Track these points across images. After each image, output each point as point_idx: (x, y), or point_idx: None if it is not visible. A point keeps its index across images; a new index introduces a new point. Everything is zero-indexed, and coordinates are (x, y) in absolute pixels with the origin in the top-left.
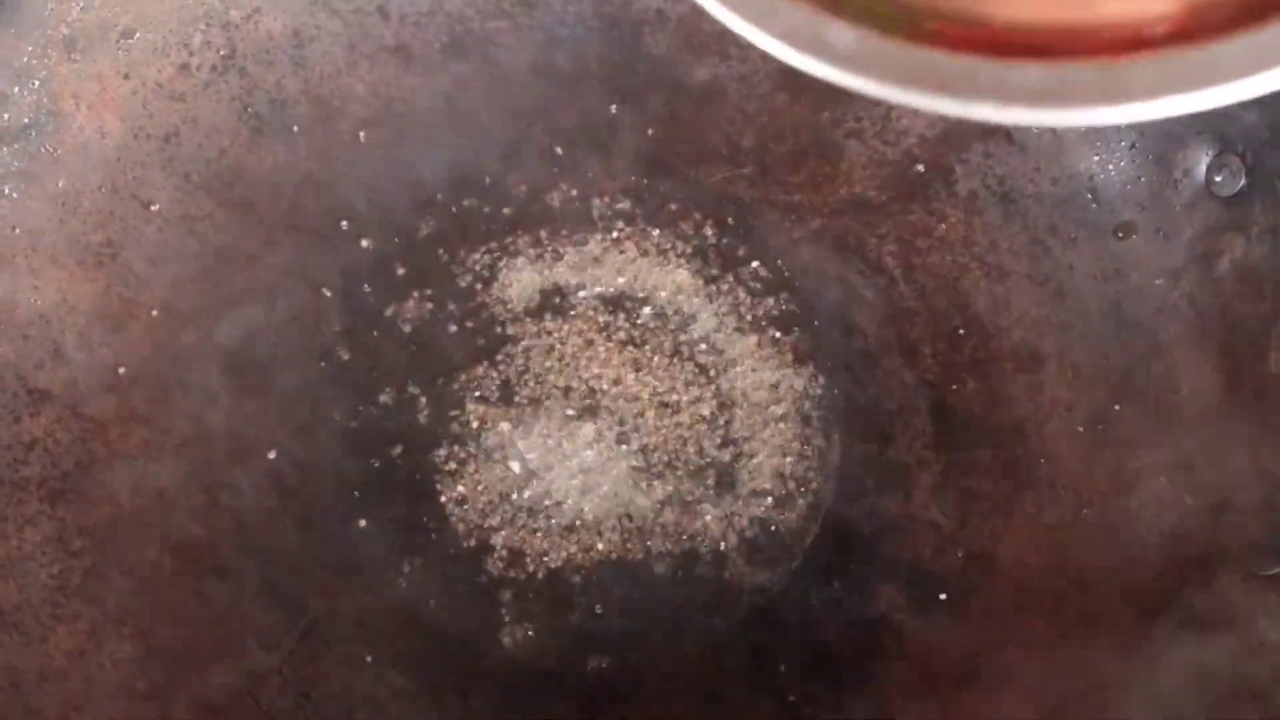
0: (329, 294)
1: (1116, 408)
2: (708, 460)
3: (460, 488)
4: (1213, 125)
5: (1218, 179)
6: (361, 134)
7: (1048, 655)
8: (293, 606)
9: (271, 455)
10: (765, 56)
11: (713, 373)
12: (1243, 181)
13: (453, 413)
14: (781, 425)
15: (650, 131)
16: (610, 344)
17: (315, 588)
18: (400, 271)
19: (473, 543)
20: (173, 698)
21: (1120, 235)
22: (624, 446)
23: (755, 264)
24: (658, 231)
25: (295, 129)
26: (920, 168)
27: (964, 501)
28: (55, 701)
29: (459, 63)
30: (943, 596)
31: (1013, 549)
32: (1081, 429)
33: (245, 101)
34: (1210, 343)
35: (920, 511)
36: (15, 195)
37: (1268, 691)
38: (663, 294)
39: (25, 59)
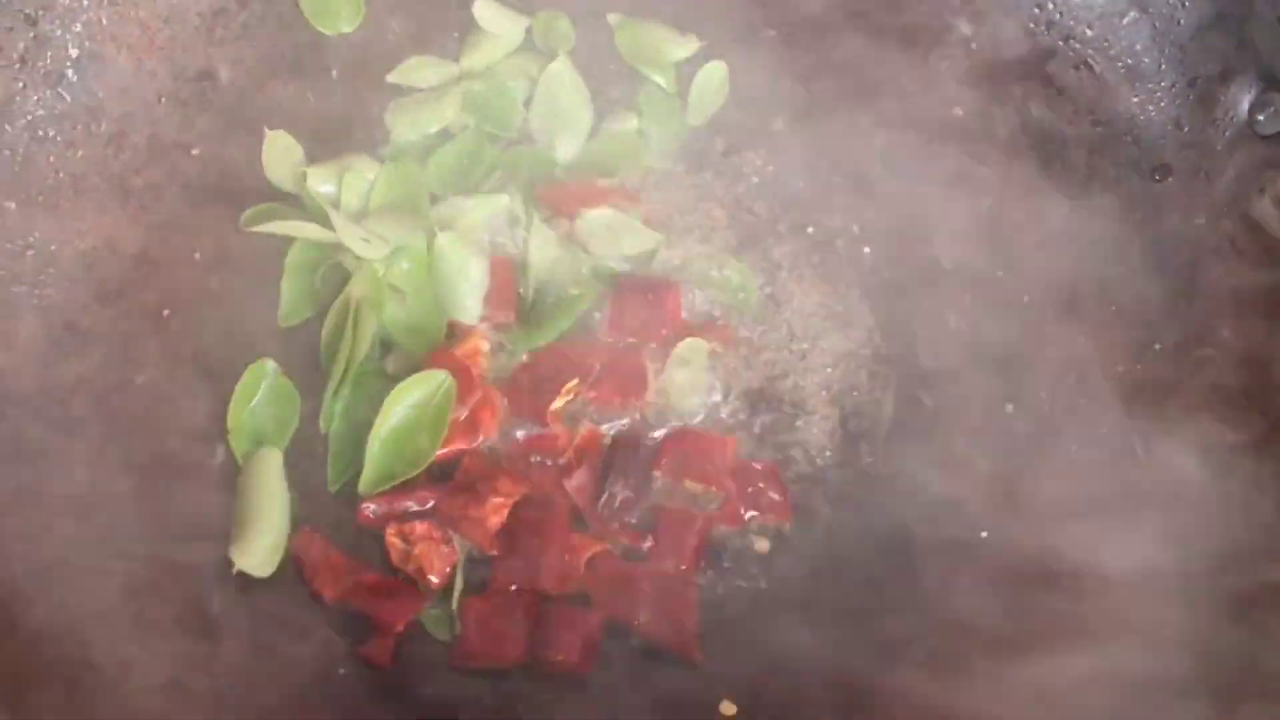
0: None
1: (1157, 347)
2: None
3: None
4: (1256, 63)
5: (1260, 117)
6: None
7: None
8: None
9: None
10: None
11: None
12: None
13: None
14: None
15: None
16: None
17: None
18: None
19: None
20: None
21: (1160, 176)
22: None
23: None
24: None
25: (334, 72)
26: (958, 111)
27: (1003, 440)
28: (107, 635)
29: None
30: (984, 535)
31: (1050, 485)
32: (1121, 369)
33: (283, 43)
34: (1252, 280)
35: (962, 450)
36: (59, 139)
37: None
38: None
39: (67, 2)
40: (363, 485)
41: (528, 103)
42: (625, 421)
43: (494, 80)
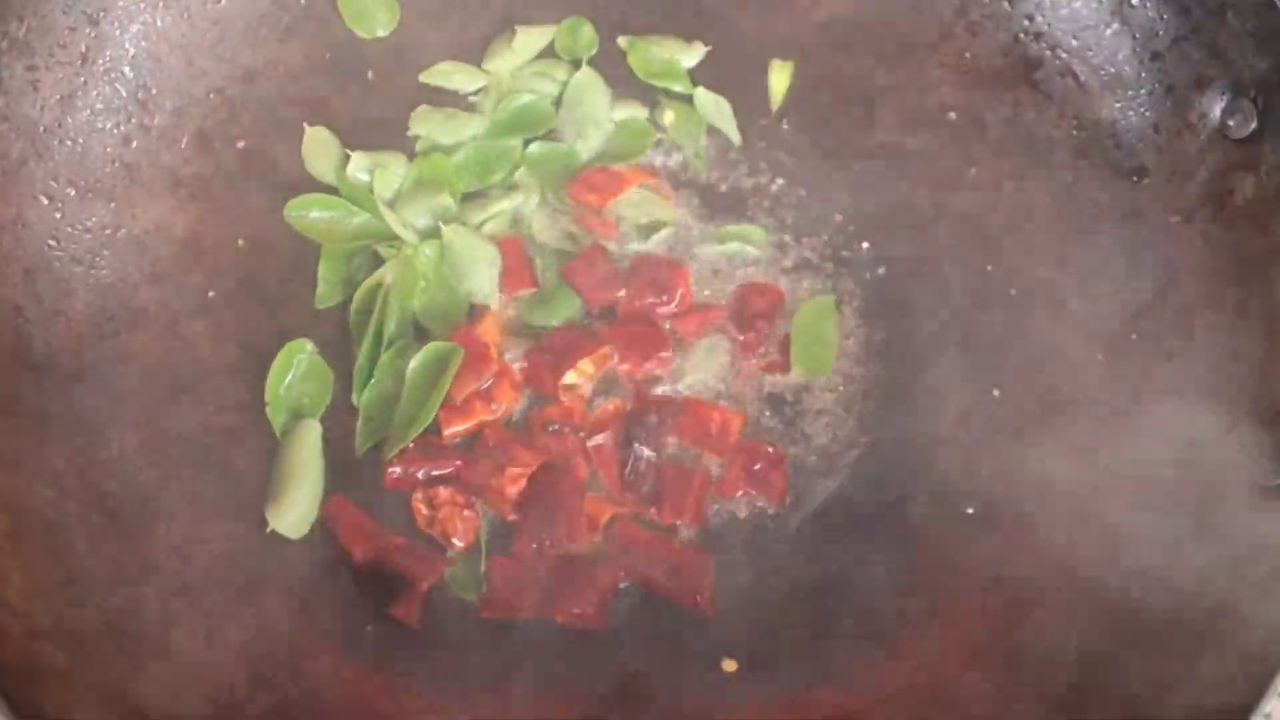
0: None
1: (1134, 337)
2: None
3: None
4: (1228, 72)
5: (1231, 122)
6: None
7: (1069, 565)
8: None
9: None
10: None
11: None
12: (1254, 124)
13: None
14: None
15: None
16: None
17: None
18: None
19: None
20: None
21: (1138, 177)
22: None
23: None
24: None
25: (370, 74)
26: (952, 115)
27: (990, 424)
28: (155, 590)
29: None
30: (970, 511)
31: (1037, 466)
32: (1101, 357)
33: (323, 45)
34: (1222, 276)
35: (950, 433)
36: (116, 131)
37: (1269, 588)
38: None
39: (125, 4)
40: (368, 443)
41: (555, 104)
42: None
43: (525, 84)
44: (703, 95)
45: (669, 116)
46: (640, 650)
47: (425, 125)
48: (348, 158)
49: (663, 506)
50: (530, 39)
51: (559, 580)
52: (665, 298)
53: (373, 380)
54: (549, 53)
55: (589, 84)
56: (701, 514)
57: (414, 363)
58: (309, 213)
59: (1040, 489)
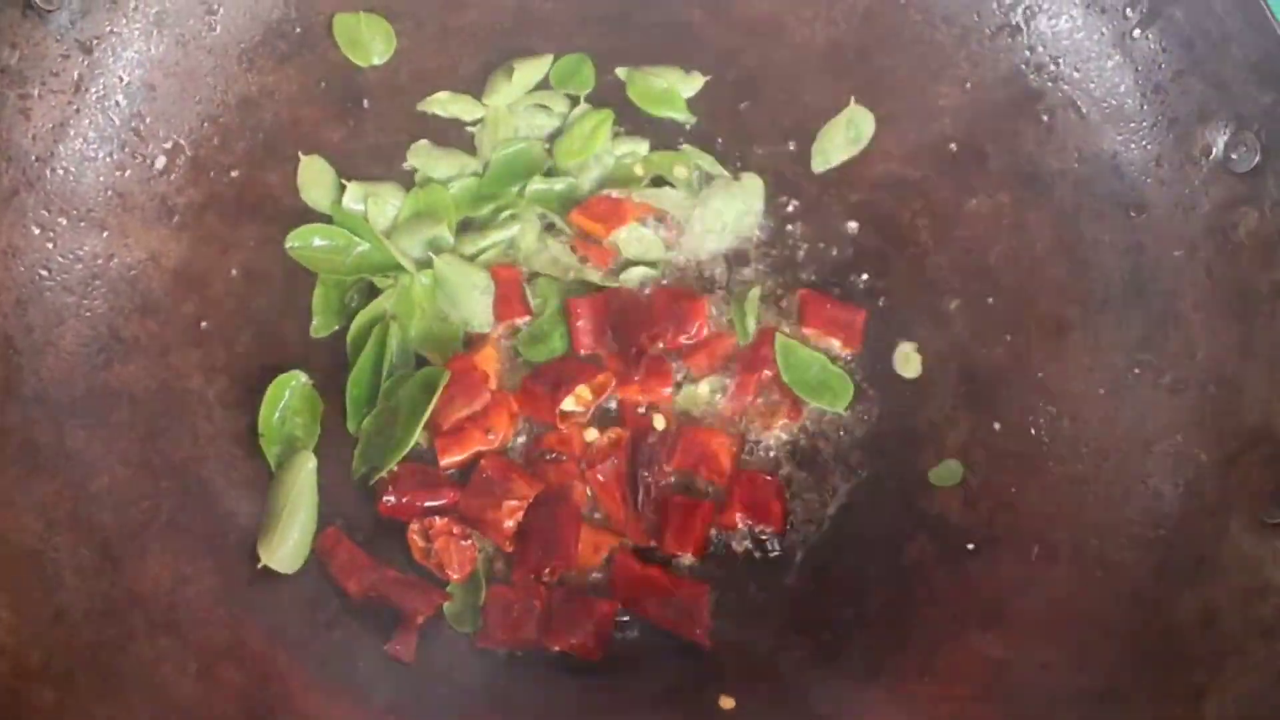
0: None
1: (1136, 371)
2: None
3: None
4: (1230, 105)
5: (1234, 156)
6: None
7: (1068, 599)
8: None
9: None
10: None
11: None
12: (1258, 157)
13: None
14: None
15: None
16: None
17: None
18: None
19: None
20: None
21: (1140, 210)
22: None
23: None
24: None
25: (366, 103)
26: (953, 146)
27: (990, 459)
28: (144, 627)
29: None
30: (970, 546)
31: (1037, 502)
32: (1103, 391)
33: (318, 74)
34: (1225, 309)
35: (951, 467)
36: (109, 160)
37: (1273, 629)
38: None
39: (120, 32)
40: (363, 470)
41: (553, 136)
42: (646, 415)
43: (523, 119)
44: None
45: (680, 173)
46: (638, 684)
47: (422, 160)
48: (344, 187)
49: (666, 538)
50: (528, 74)
51: (557, 611)
52: (685, 330)
53: (375, 409)
54: (546, 83)
55: (589, 121)
56: (704, 546)
57: (404, 389)
58: (310, 242)
59: (1041, 525)
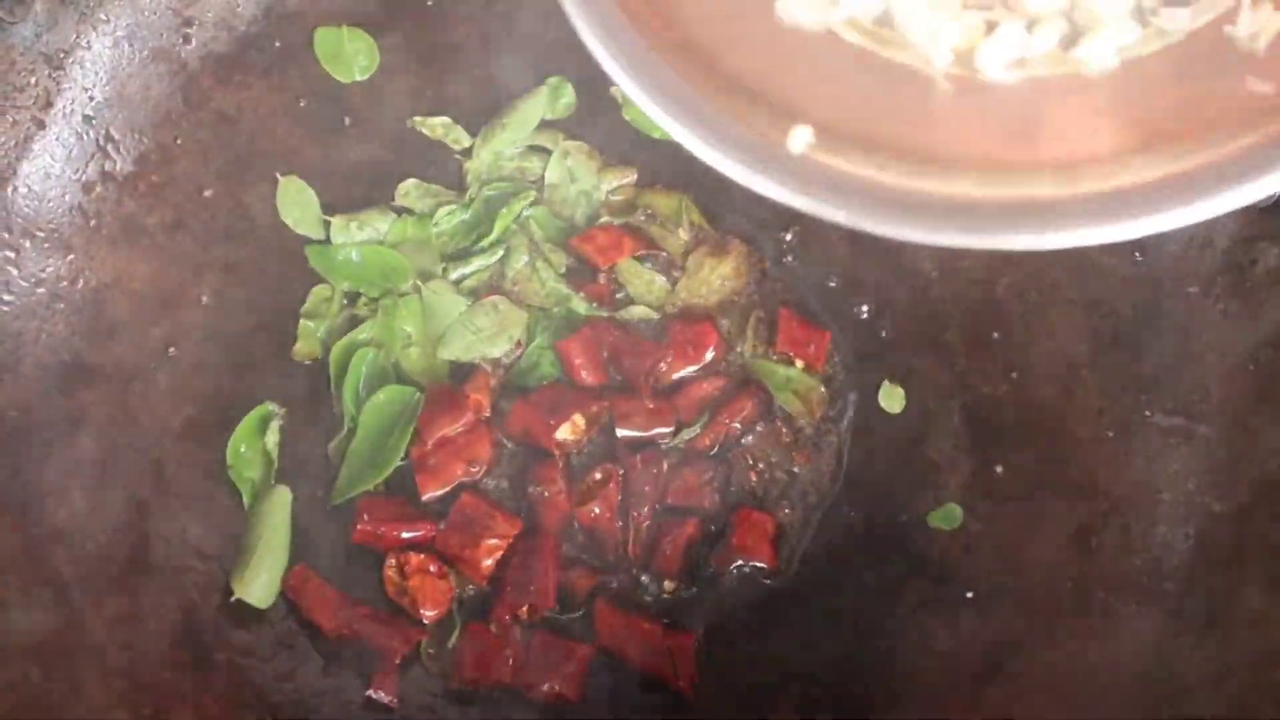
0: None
1: (1147, 414)
2: None
3: None
4: None
5: None
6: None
7: (1072, 653)
8: None
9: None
10: None
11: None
12: (1277, 192)
13: None
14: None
15: None
16: None
17: None
18: None
19: None
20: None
21: (1152, 245)
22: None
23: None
24: None
25: (347, 120)
26: None
27: (993, 502)
28: (98, 671)
29: None
30: (969, 595)
31: (1040, 550)
32: (1112, 434)
33: (298, 90)
34: (1241, 350)
35: (951, 511)
36: (75, 178)
37: None
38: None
39: (88, 46)
40: (343, 498)
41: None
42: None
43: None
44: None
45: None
46: None
47: (412, 201)
48: (321, 209)
49: (653, 561)
50: (525, 115)
51: (534, 653)
52: (698, 356)
53: (356, 433)
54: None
55: (577, 154)
56: (687, 566)
57: (376, 400)
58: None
59: (1043, 574)
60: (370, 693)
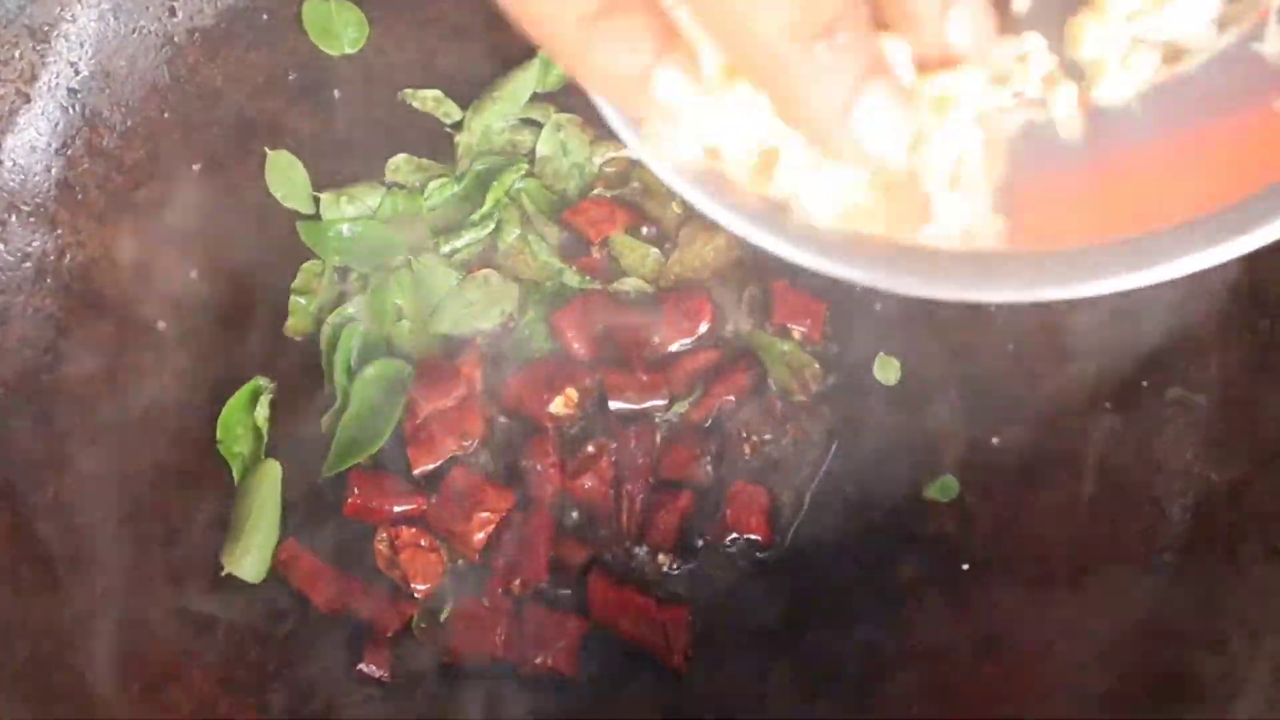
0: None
1: (1144, 384)
2: None
3: None
4: None
5: None
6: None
7: (1071, 624)
8: None
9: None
10: None
11: None
12: None
13: None
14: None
15: None
16: None
17: None
18: None
19: None
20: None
21: None
22: None
23: None
24: None
25: (336, 94)
26: None
27: (990, 474)
28: (90, 649)
29: None
30: (966, 567)
31: (1037, 521)
32: (1110, 405)
33: (286, 63)
34: (1241, 323)
35: (947, 481)
36: (62, 153)
37: None
38: None
39: (74, 19)
40: (334, 471)
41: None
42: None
43: (506, 135)
44: None
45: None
46: (615, 704)
47: (402, 176)
48: (310, 185)
49: (647, 533)
50: (517, 87)
51: (527, 626)
52: (693, 328)
53: (348, 407)
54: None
55: (567, 131)
56: (679, 537)
57: (367, 374)
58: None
59: (1041, 545)
60: (361, 666)
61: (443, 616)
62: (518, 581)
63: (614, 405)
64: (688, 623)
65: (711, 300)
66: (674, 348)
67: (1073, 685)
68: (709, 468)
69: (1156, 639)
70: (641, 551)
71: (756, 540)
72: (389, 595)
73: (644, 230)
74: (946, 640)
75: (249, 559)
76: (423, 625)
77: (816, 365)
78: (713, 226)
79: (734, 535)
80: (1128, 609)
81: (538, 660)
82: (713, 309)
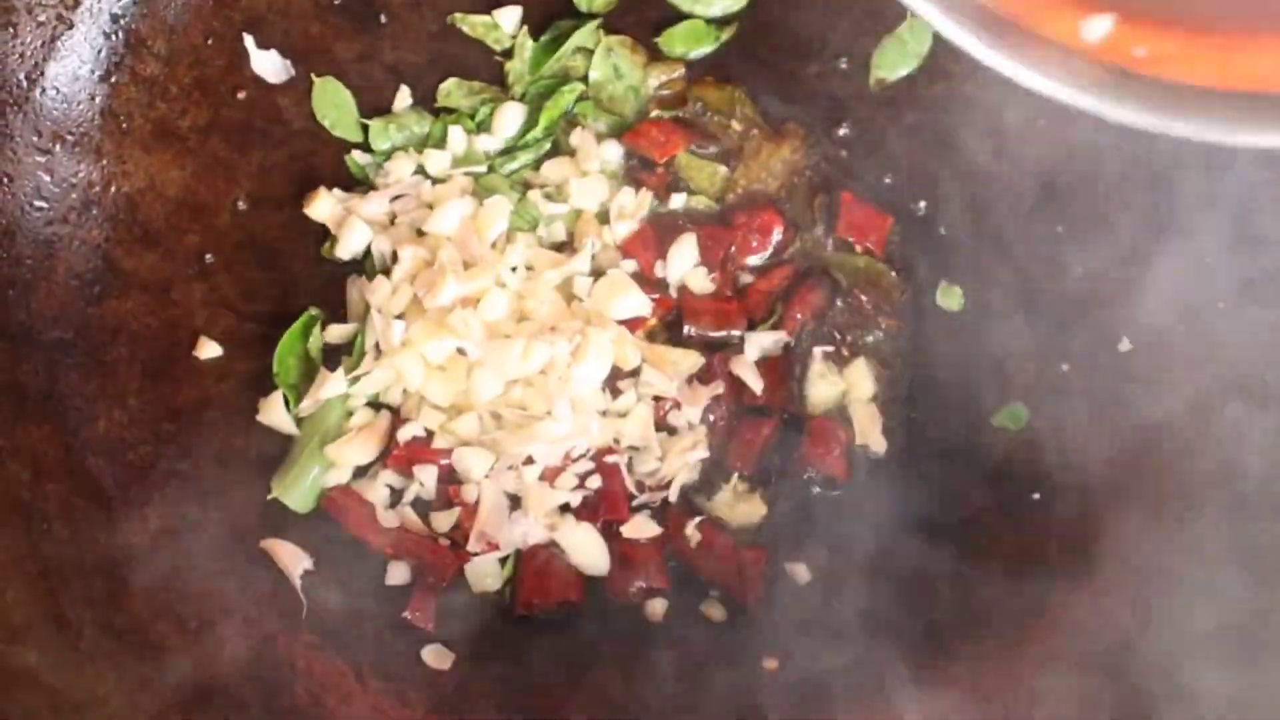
0: None
1: (1220, 305)
2: None
3: None
4: None
5: None
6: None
7: (1144, 554)
8: None
9: None
10: None
11: None
12: None
13: None
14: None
15: None
16: None
17: None
18: None
19: None
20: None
21: None
22: None
23: None
24: None
25: (383, 19)
26: None
27: (1059, 400)
28: (144, 578)
29: None
30: (1036, 496)
31: (1108, 449)
32: (1183, 327)
33: None
34: None
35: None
36: (105, 80)
37: None
38: None
39: None
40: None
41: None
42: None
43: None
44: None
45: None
46: (681, 648)
47: (454, 100)
48: (358, 112)
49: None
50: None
51: (614, 557)
52: (764, 244)
53: None
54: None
55: (619, 53)
56: (758, 469)
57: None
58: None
59: (1112, 474)
60: (406, 614)
61: (505, 570)
62: (599, 521)
63: (689, 329)
64: (763, 564)
65: (781, 212)
66: (752, 260)
67: (1147, 616)
68: (791, 397)
69: (1234, 567)
70: (720, 480)
71: (833, 478)
72: (442, 544)
73: (707, 148)
74: (1015, 570)
75: (297, 489)
76: (478, 570)
77: (893, 274)
78: (776, 139)
79: (811, 471)
80: (1201, 536)
81: (636, 585)
82: (784, 221)
